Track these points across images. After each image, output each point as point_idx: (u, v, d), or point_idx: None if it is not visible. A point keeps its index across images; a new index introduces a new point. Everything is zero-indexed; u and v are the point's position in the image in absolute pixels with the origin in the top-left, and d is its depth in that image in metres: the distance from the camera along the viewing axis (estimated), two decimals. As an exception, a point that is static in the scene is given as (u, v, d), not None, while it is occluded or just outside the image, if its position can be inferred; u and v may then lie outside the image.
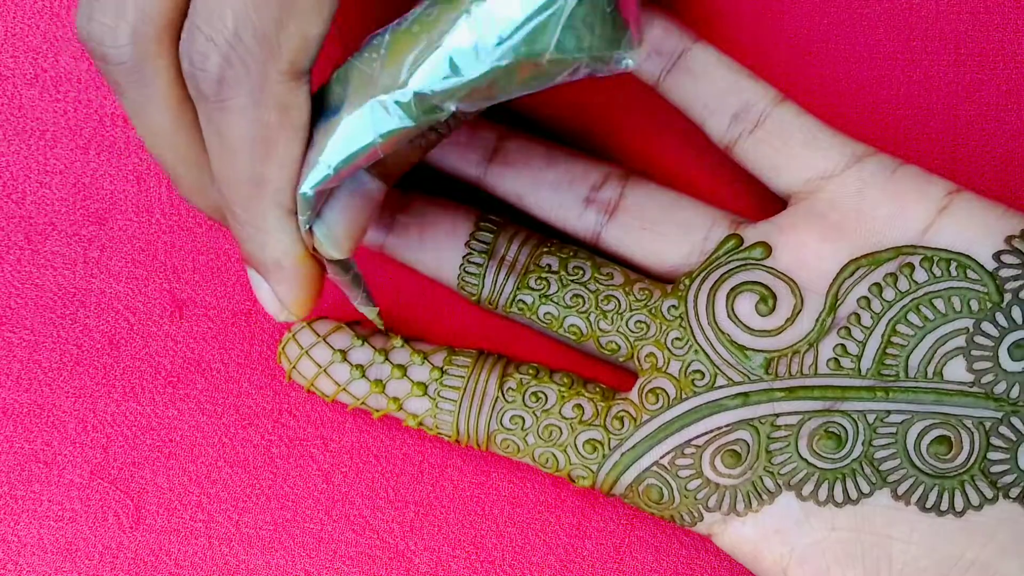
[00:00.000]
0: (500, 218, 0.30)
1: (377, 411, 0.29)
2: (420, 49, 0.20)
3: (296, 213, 0.23)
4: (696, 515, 0.27)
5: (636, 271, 0.29)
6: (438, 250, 0.29)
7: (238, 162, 0.22)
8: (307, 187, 0.22)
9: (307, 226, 0.23)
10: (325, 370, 0.29)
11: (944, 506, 0.26)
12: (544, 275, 0.29)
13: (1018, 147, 0.31)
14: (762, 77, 0.28)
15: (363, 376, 0.29)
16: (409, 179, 0.31)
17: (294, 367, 0.29)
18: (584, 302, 0.28)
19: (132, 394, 0.31)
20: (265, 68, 0.21)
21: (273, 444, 0.31)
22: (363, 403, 0.29)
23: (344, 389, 0.29)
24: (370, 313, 0.28)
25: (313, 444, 0.31)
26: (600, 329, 0.28)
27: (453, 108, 0.20)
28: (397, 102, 0.21)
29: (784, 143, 0.28)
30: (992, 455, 0.26)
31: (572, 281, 0.28)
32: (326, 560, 0.31)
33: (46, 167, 0.32)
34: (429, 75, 0.20)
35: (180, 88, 0.23)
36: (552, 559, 0.30)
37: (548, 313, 0.29)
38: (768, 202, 0.29)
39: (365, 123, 0.21)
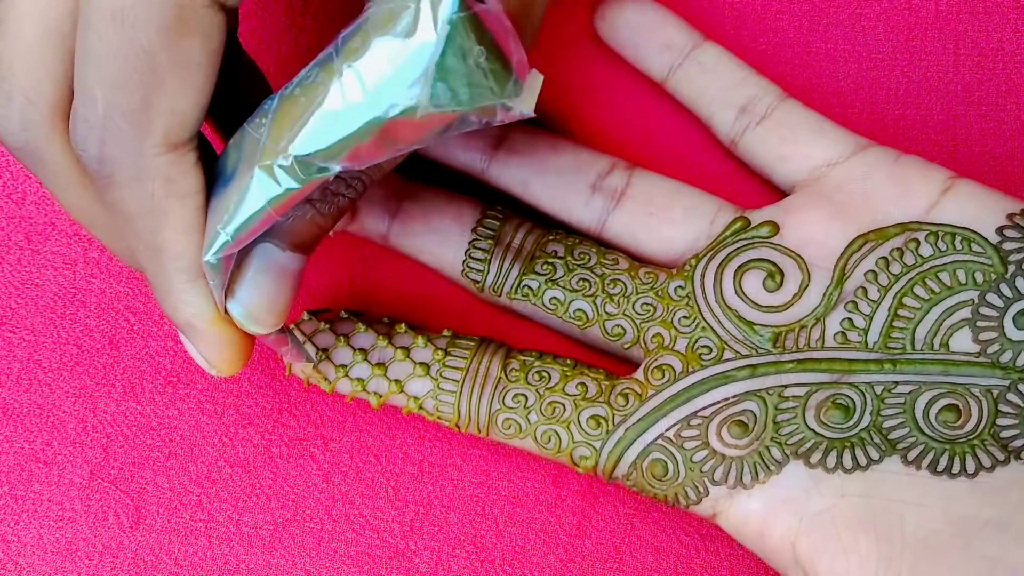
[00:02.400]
0: (505, 209, 0.30)
1: (377, 397, 0.29)
2: (300, 113, 0.21)
3: (204, 276, 0.23)
4: (701, 490, 0.27)
5: (641, 261, 0.29)
6: (443, 237, 0.29)
7: (135, 233, 0.23)
8: (210, 255, 0.22)
9: (220, 290, 0.23)
10: (328, 355, 0.29)
11: (956, 469, 0.26)
12: (550, 260, 0.29)
13: (1017, 147, 0.31)
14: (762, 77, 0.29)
15: (365, 360, 0.28)
16: (413, 173, 0.31)
17: None
18: (590, 286, 0.28)
19: (132, 394, 0.31)
20: (140, 144, 0.21)
21: (273, 444, 0.31)
22: (364, 388, 0.28)
23: (346, 374, 0.28)
24: (305, 368, 0.28)
25: (313, 444, 0.31)
26: (606, 313, 0.28)
27: (338, 168, 0.21)
28: (280, 166, 0.21)
29: (791, 132, 0.28)
30: (1001, 421, 0.26)
31: (578, 266, 0.29)
32: (326, 560, 0.31)
33: (46, 167, 0.31)
34: (306, 138, 0.20)
35: (80, 165, 0.23)
36: (552, 558, 0.30)
37: (554, 298, 0.29)
38: (771, 200, 0.29)
39: (254, 189, 0.21)
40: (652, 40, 0.29)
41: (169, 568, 0.31)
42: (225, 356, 0.24)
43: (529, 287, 0.29)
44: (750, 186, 0.31)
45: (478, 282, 0.29)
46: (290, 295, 0.24)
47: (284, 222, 0.23)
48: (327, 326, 0.29)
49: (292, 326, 0.29)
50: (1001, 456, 0.26)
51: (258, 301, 0.24)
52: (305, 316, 0.30)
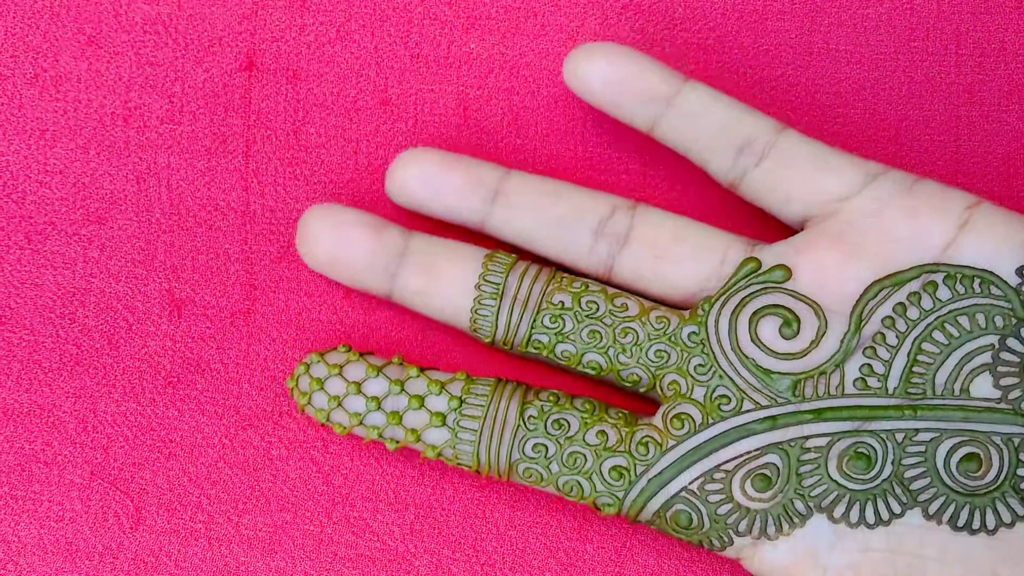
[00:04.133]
0: (508, 255, 0.29)
1: (395, 443, 0.28)
2: None
3: None
4: (726, 540, 0.27)
5: (651, 301, 0.28)
6: (447, 296, 0.28)
7: None
8: None
9: None
10: (341, 403, 0.28)
11: (976, 524, 0.26)
12: (558, 312, 0.28)
13: (1020, 147, 0.31)
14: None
15: (379, 408, 0.28)
16: (411, 224, 0.30)
17: (308, 401, 0.28)
18: (601, 337, 0.28)
19: (132, 394, 0.31)
20: None
21: (273, 445, 0.31)
22: (380, 435, 0.28)
23: (360, 422, 0.28)
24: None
25: (313, 446, 0.31)
26: (620, 363, 0.28)
27: None
28: None
29: (794, 169, 0.27)
30: (1022, 471, 0.26)
31: (587, 316, 0.28)
32: (326, 562, 0.30)
33: (46, 167, 0.32)
34: None
35: None
36: (553, 562, 0.30)
37: (566, 351, 0.28)
38: (780, 227, 0.29)
39: None
40: (630, 94, 0.27)
41: (169, 569, 0.31)
42: None
43: (540, 341, 0.28)
44: (759, 214, 0.30)
45: (488, 337, 0.28)
46: None
47: None
48: (338, 371, 0.28)
49: (300, 366, 0.29)
50: (1021, 511, 0.26)
51: None
52: (314, 358, 0.29)
